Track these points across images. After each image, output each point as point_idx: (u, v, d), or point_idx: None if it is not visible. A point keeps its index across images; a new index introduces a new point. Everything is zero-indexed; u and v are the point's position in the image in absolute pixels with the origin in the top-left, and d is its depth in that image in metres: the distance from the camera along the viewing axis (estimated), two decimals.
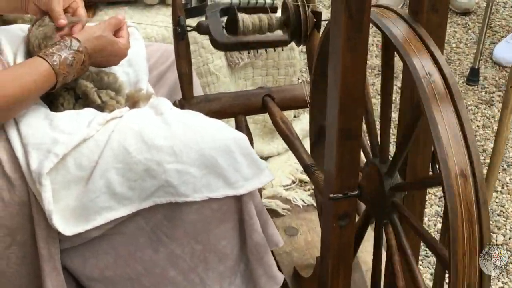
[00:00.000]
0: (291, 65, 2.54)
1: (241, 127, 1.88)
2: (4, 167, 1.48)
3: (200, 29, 1.77)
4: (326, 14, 1.69)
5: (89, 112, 1.58)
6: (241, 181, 1.55)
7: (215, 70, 2.37)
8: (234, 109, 1.86)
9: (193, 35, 2.28)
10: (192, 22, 2.29)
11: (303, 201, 2.43)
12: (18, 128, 1.50)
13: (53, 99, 1.63)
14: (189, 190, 1.51)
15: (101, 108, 1.63)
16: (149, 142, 1.51)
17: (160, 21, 2.34)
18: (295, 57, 2.53)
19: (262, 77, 2.54)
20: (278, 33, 1.83)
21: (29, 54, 1.65)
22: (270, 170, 1.60)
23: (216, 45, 1.73)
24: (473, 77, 3.07)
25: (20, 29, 1.77)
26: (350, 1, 1.21)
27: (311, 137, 1.76)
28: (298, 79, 2.62)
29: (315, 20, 1.78)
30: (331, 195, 1.39)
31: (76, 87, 1.62)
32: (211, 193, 1.53)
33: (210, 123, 1.58)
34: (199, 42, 2.32)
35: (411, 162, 1.46)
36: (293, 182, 2.54)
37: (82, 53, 1.55)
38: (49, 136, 1.49)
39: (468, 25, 3.46)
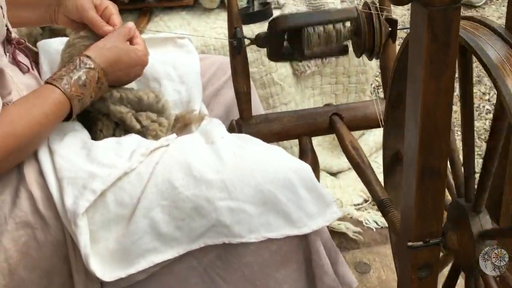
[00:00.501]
0: (363, 72, 2.31)
1: (306, 150, 1.67)
2: (37, 204, 1.32)
3: (259, 42, 1.57)
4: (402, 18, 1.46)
5: (131, 140, 1.40)
6: (305, 219, 1.35)
7: (280, 80, 2.16)
8: (298, 130, 1.66)
9: (253, 32, 2.09)
10: (255, 28, 2.12)
11: (376, 223, 2.21)
12: (52, 160, 1.34)
13: (91, 125, 1.47)
14: (244, 230, 1.32)
15: (142, 133, 1.45)
16: (198, 176, 1.32)
17: (220, 26, 2.15)
18: (368, 63, 2.31)
19: (331, 85, 2.32)
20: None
21: None
22: (337, 204, 1.39)
23: (273, 58, 1.54)
24: None
25: (62, 44, 1.60)
26: (434, 18, 0.99)
27: (385, 163, 1.54)
28: (372, 92, 2.38)
29: (390, 29, 1.56)
30: (409, 243, 1.17)
31: (110, 114, 1.45)
32: (269, 233, 1.34)
33: (268, 152, 1.38)
34: (261, 50, 2.11)
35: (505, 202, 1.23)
36: (365, 200, 2.32)
37: (96, 69, 1.38)
38: (85, 170, 1.32)
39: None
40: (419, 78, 1.04)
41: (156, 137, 1.45)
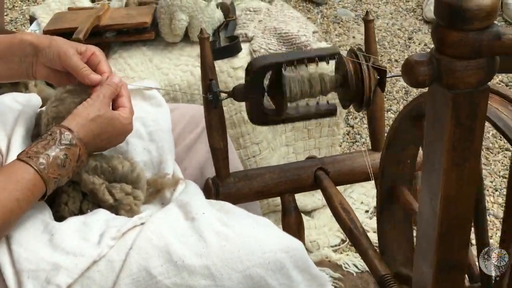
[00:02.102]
0: (336, 105, 2.17)
1: (289, 208, 1.53)
2: None
3: (237, 95, 1.41)
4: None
5: (99, 219, 1.23)
6: None
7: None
8: (280, 188, 1.51)
9: (221, 70, 1.94)
10: (222, 64, 1.96)
11: (356, 266, 2.08)
12: (9, 248, 1.16)
13: (54, 196, 1.29)
14: None
15: (114, 208, 1.28)
16: (178, 262, 1.16)
17: (185, 63, 1.99)
18: None
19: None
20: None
21: (35, 136, 1.32)
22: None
23: (251, 119, 1.39)
24: None
25: (15, 100, 1.42)
26: (458, 102, 0.85)
27: (379, 203, 1.40)
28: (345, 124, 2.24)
29: (378, 77, 1.42)
30: None
31: (80, 184, 1.27)
32: None
33: (254, 230, 1.23)
34: (230, 87, 1.96)
35: None
36: (343, 241, 2.18)
37: (77, 146, 1.19)
38: (48, 260, 1.15)
39: None
40: (439, 166, 0.90)
41: (130, 212, 1.29)
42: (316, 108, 1.40)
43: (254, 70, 1.37)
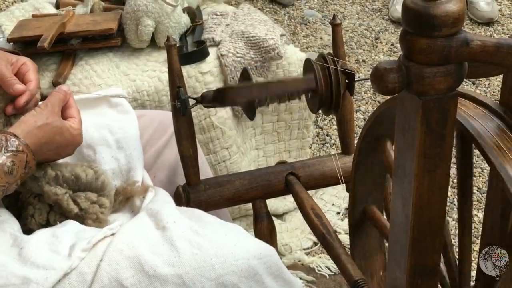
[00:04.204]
0: (306, 108, 2.17)
1: (261, 214, 1.52)
2: None
3: (206, 102, 1.41)
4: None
5: (69, 230, 1.22)
6: None
7: (220, 123, 2.00)
8: (251, 194, 1.51)
9: (189, 75, 1.93)
10: (190, 69, 1.95)
11: (328, 269, 2.08)
12: None
13: (20, 209, 1.28)
14: None
15: (80, 218, 1.27)
16: (150, 272, 1.16)
17: (152, 69, 1.97)
18: None
19: (273, 123, 2.18)
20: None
21: None
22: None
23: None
24: None
25: None
26: (428, 109, 0.85)
27: (351, 221, 1.41)
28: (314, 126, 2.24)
29: (347, 80, 1.42)
30: None
31: (44, 196, 1.26)
32: None
33: (226, 237, 1.23)
34: (199, 93, 1.95)
35: None
36: (315, 243, 2.18)
37: (24, 152, 1.17)
38: (18, 274, 1.13)
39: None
40: (410, 172, 0.90)
41: (97, 221, 1.28)
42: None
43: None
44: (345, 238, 2.03)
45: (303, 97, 1.48)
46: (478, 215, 2.23)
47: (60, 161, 1.32)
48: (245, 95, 1.34)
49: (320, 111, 1.44)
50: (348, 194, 2.24)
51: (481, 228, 2.13)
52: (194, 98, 1.42)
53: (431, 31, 0.81)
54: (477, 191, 2.32)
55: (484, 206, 2.22)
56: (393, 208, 0.97)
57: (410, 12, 0.82)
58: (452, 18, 0.81)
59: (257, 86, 1.39)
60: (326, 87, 1.39)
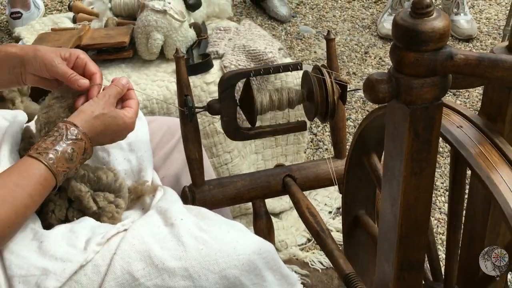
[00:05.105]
0: (302, 115, 2.17)
1: (260, 213, 1.52)
2: None
3: (211, 109, 1.41)
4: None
5: (85, 226, 1.22)
6: None
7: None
8: (252, 194, 1.51)
9: (194, 85, 1.93)
10: (195, 79, 1.96)
11: (321, 263, 2.08)
12: (1, 255, 1.15)
13: (41, 205, 1.27)
14: None
15: (97, 215, 1.27)
16: (159, 264, 1.16)
17: (161, 79, 1.98)
18: None
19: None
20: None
21: (22, 150, 1.30)
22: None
23: (229, 136, 1.39)
24: None
25: (2, 117, 1.40)
26: (416, 117, 0.86)
27: (344, 227, 1.41)
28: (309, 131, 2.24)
29: (340, 91, 1.43)
30: None
31: (68, 189, 1.26)
32: None
33: (229, 234, 1.22)
34: (203, 101, 1.95)
35: None
36: (309, 240, 2.18)
37: (82, 140, 1.17)
38: (38, 266, 1.13)
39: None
40: (399, 175, 0.91)
41: (112, 219, 1.28)
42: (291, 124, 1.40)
43: (225, 79, 1.37)
44: (336, 235, 2.04)
45: (300, 105, 1.49)
46: None
47: None
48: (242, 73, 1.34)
49: (315, 118, 1.44)
50: (339, 194, 2.26)
51: None
52: (200, 107, 1.42)
53: (419, 46, 0.81)
54: None
55: None
56: (382, 207, 0.97)
57: (400, 28, 0.82)
58: (438, 34, 0.81)
59: (259, 93, 1.39)
60: (321, 96, 1.39)
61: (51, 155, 1.13)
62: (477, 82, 0.99)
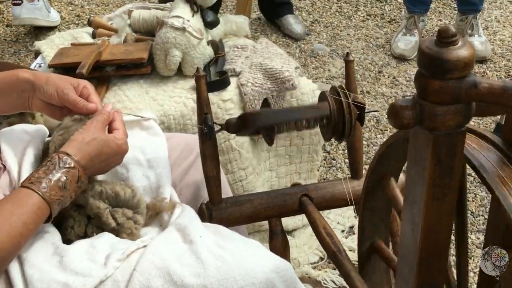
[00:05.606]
0: (316, 134, 2.19)
1: (276, 231, 1.53)
2: None
3: (230, 128, 1.42)
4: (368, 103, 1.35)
5: (105, 242, 1.23)
6: None
7: (238, 146, 2.02)
8: (268, 213, 1.52)
9: (211, 102, 1.94)
10: (212, 96, 1.97)
11: (333, 282, 2.09)
12: (22, 270, 1.16)
13: (61, 220, 1.29)
14: None
15: (116, 231, 1.28)
16: (178, 281, 1.17)
17: (178, 95, 1.99)
18: None
19: (285, 147, 2.19)
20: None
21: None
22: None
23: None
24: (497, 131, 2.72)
25: (24, 132, 1.42)
26: (439, 143, 0.87)
27: (360, 255, 1.42)
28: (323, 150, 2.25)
29: (358, 112, 1.44)
30: None
31: (86, 207, 1.27)
32: None
33: (247, 252, 1.23)
34: (220, 118, 1.97)
35: None
36: (321, 258, 2.19)
37: (75, 168, 1.19)
38: (59, 280, 1.14)
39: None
40: (420, 200, 0.92)
41: (130, 235, 1.29)
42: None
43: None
44: (350, 255, 2.04)
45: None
46: (471, 237, 2.23)
47: (100, 177, 1.33)
48: (266, 121, 1.35)
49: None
50: (352, 213, 2.26)
51: (473, 249, 2.12)
52: (219, 125, 1.44)
53: (444, 74, 0.82)
54: (471, 214, 2.33)
55: (476, 228, 2.23)
56: (402, 231, 0.98)
57: (425, 57, 0.83)
58: (463, 62, 0.82)
59: (278, 112, 1.40)
60: (339, 118, 1.40)
61: (44, 184, 1.15)
62: (500, 110, 1.00)
